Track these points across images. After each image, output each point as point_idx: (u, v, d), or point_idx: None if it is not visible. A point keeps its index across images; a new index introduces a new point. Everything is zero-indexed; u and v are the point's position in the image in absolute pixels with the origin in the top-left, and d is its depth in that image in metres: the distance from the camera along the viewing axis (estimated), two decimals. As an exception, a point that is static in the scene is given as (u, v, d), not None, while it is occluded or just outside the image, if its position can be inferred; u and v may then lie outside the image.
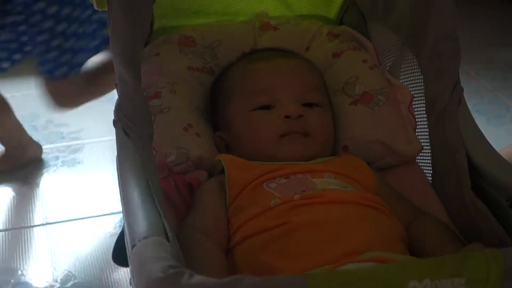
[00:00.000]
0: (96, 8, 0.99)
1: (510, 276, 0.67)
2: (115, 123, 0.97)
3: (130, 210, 0.81)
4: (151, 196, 0.82)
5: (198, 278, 0.63)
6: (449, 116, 1.03)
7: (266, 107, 1.08)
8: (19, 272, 1.42)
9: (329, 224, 0.89)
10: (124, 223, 0.84)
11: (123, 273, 1.41)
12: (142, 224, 0.76)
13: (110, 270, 1.42)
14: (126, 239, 0.81)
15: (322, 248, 0.85)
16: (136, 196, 0.83)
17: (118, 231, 1.53)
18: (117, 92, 0.99)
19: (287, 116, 1.06)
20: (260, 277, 0.63)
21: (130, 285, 0.88)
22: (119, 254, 1.00)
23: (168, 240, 0.73)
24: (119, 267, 1.39)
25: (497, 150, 1.00)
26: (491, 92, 2.21)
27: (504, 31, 2.63)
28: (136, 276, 0.68)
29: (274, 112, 1.07)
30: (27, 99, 2.09)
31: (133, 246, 0.72)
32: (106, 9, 0.98)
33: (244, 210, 0.94)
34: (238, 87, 1.13)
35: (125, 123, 0.95)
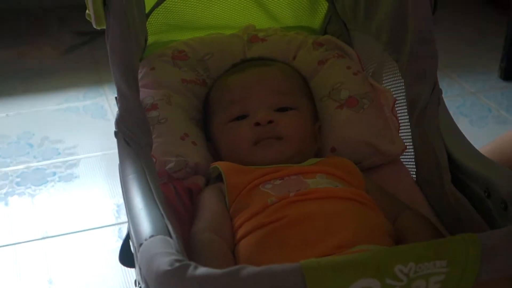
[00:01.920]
0: (95, 27, 1.04)
1: (486, 258, 0.71)
2: (116, 134, 1.02)
3: (134, 213, 0.85)
4: (153, 200, 0.87)
5: (202, 270, 0.68)
6: (429, 116, 1.06)
7: (241, 118, 1.12)
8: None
9: (322, 218, 0.93)
10: (129, 226, 0.88)
11: (122, 283, 1.44)
12: (147, 225, 0.80)
13: (109, 280, 1.45)
14: (132, 240, 0.86)
15: (315, 240, 0.89)
16: (139, 200, 0.87)
17: (117, 242, 1.56)
18: (117, 105, 1.03)
19: (257, 124, 1.09)
20: (258, 267, 0.68)
21: (136, 286, 0.94)
22: (125, 257, 1.06)
23: (171, 238, 0.78)
24: (117, 278, 1.43)
25: (479, 149, 1.03)
26: (473, 94, 2.24)
27: (483, 35, 2.68)
28: (145, 271, 0.72)
29: (246, 121, 1.11)
30: (21, 117, 2.12)
31: (140, 245, 0.77)
32: (104, 27, 1.03)
33: (243, 210, 0.98)
34: (217, 102, 1.18)
35: (126, 133, 1.00)
